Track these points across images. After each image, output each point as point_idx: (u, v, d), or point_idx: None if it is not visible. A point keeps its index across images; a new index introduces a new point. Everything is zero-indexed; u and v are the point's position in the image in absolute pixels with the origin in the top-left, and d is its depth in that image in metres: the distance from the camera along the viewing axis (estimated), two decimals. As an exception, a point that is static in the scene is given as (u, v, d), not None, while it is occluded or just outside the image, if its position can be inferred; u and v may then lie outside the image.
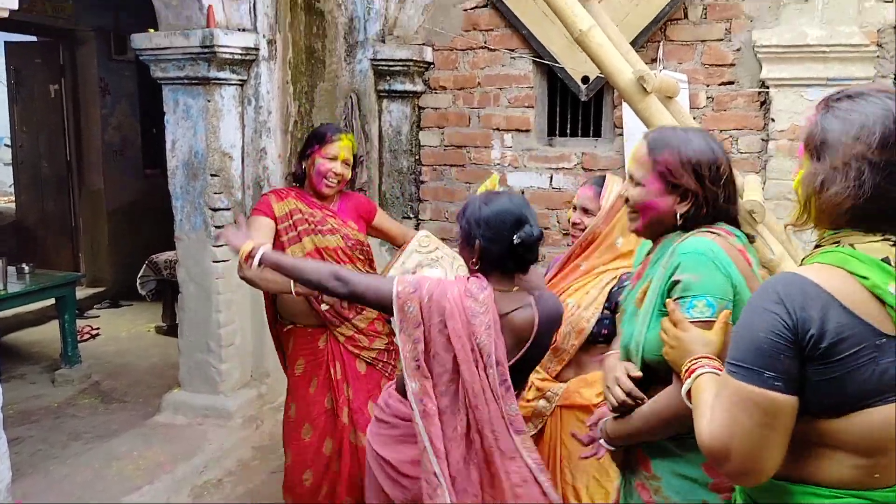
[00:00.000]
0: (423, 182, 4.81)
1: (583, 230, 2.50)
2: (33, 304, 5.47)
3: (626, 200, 1.78)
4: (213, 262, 3.95)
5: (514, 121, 4.51)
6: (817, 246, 1.28)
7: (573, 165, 4.39)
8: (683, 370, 1.47)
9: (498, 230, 1.97)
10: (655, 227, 1.74)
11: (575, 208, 2.55)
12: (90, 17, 6.91)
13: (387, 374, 3.08)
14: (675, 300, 1.57)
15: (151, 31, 3.95)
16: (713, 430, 1.24)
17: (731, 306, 1.55)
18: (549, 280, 2.54)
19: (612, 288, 2.39)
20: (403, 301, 1.97)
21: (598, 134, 4.44)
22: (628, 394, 1.69)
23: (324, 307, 2.94)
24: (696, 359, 1.46)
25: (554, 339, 2.30)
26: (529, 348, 2.03)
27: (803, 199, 1.27)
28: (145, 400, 4.63)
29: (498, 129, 4.55)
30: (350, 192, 3.36)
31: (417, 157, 4.79)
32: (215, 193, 3.96)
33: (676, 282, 1.58)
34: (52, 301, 5.25)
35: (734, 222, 1.71)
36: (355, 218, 3.11)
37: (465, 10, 4.54)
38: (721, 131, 4.02)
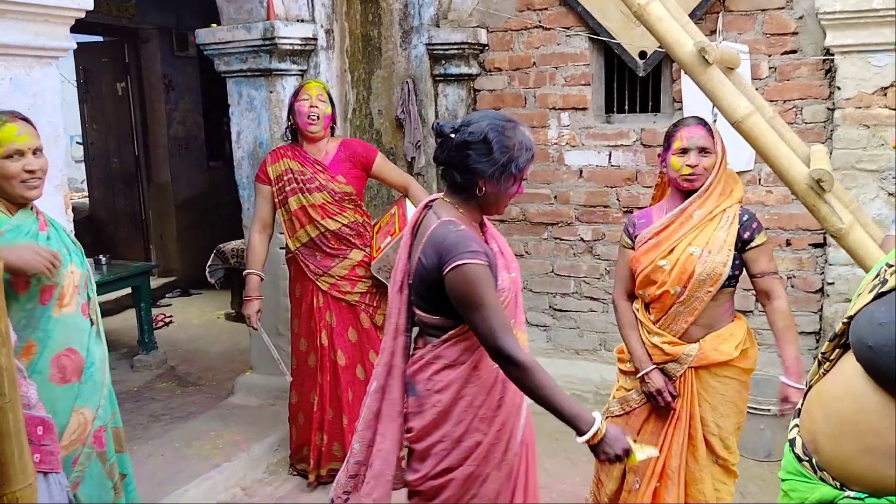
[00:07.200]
0: (480, 164, 4.82)
1: (701, 173, 2.41)
2: (110, 294, 5.69)
3: None
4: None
5: (570, 99, 4.49)
6: None
7: (632, 142, 4.36)
8: None
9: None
10: None
11: (684, 151, 2.43)
12: (152, 16, 7.14)
13: (370, 314, 3.36)
14: None
15: (214, 25, 4.07)
16: None
17: None
18: (657, 234, 2.48)
19: (738, 228, 2.42)
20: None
21: (656, 109, 4.39)
22: None
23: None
24: None
25: (681, 289, 2.40)
26: None
27: None
28: (219, 383, 4.82)
29: (554, 108, 4.53)
30: (350, 139, 3.62)
31: (474, 140, 4.80)
32: (280, 181, 4.06)
33: None
34: (127, 291, 5.48)
35: None
36: (349, 168, 3.36)
37: (519, -10, 4.53)
38: (784, 101, 3.93)
